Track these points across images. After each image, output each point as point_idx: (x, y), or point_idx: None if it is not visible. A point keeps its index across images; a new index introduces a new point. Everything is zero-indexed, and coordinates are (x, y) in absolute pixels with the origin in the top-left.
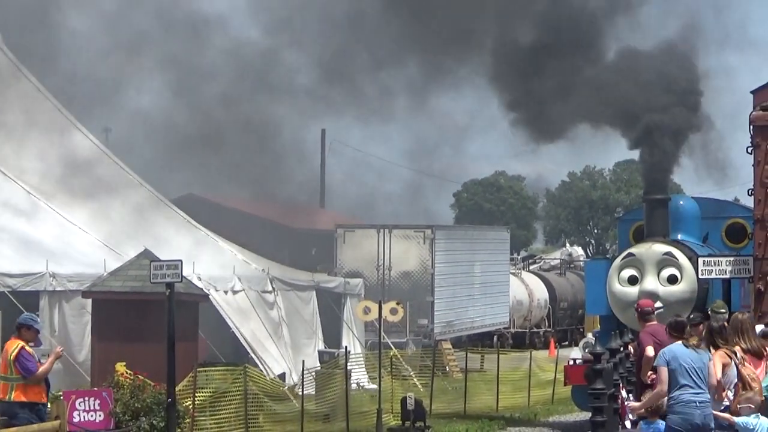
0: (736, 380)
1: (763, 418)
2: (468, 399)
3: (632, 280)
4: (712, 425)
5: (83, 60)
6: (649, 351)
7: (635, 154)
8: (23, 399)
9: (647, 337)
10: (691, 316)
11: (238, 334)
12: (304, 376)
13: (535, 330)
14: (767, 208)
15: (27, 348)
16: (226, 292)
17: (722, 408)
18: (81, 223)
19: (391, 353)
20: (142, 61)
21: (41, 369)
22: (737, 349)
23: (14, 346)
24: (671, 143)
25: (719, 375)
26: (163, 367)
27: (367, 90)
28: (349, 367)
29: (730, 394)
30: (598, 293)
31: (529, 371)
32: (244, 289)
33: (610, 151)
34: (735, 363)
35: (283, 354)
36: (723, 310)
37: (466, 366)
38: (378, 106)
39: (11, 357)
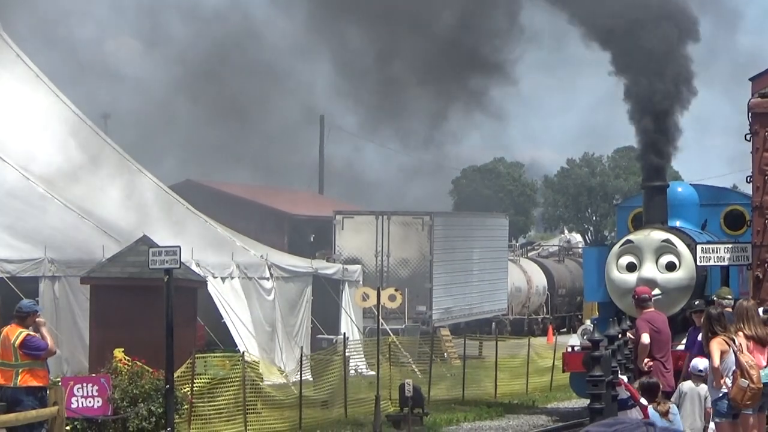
0: (734, 367)
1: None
2: (466, 386)
3: (630, 267)
4: None
5: (78, 42)
6: (645, 338)
7: (634, 141)
8: (33, 383)
9: (644, 324)
10: (696, 303)
11: (228, 322)
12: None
13: (534, 317)
14: (766, 195)
15: (31, 333)
16: (223, 279)
17: (720, 395)
18: (79, 209)
19: (390, 340)
20: (137, 44)
21: (49, 342)
22: (740, 335)
23: (17, 333)
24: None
25: (717, 362)
26: (162, 353)
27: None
28: (347, 354)
29: (728, 381)
30: (597, 280)
31: (527, 358)
32: (238, 276)
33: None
34: (733, 350)
35: (275, 341)
36: (729, 296)
37: (464, 353)
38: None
39: (16, 343)
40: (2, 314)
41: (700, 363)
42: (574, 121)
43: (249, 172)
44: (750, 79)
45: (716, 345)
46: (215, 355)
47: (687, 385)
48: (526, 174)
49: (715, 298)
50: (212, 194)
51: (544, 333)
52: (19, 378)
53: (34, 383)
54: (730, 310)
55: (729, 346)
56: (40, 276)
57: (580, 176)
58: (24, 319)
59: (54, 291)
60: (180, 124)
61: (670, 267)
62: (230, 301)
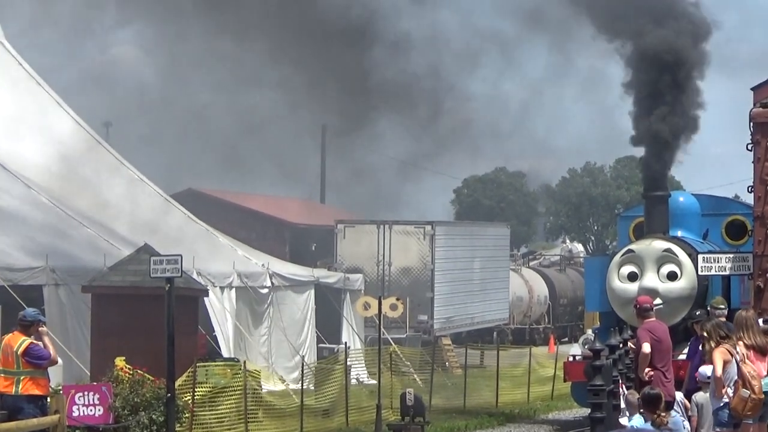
0: (736, 377)
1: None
2: (467, 395)
3: (632, 277)
4: None
5: (80, 50)
6: (646, 348)
7: (636, 151)
8: (35, 391)
9: (645, 334)
10: (698, 313)
11: (219, 333)
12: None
13: (535, 326)
14: (767, 204)
15: (34, 341)
16: (222, 289)
17: (722, 404)
18: (81, 218)
19: (391, 349)
20: (138, 52)
21: (52, 352)
22: (740, 344)
23: (20, 341)
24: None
25: (720, 371)
26: (163, 362)
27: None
28: (348, 363)
29: (730, 391)
30: (598, 290)
31: (528, 367)
32: (238, 286)
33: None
34: (736, 360)
35: (275, 350)
36: (722, 306)
37: (465, 362)
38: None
39: (18, 351)
40: (3, 322)
41: (708, 370)
42: (576, 130)
43: (250, 181)
44: (752, 89)
45: (719, 354)
46: (216, 363)
47: (701, 396)
48: (527, 184)
49: (709, 308)
50: (214, 203)
51: (546, 342)
52: (21, 386)
53: (36, 391)
54: (723, 319)
55: (732, 355)
56: (42, 284)
57: (581, 186)
58: (28, 327)
59: (59, 299)
60: (182, 133)
61: (672, 276)
62: (230, 310)
